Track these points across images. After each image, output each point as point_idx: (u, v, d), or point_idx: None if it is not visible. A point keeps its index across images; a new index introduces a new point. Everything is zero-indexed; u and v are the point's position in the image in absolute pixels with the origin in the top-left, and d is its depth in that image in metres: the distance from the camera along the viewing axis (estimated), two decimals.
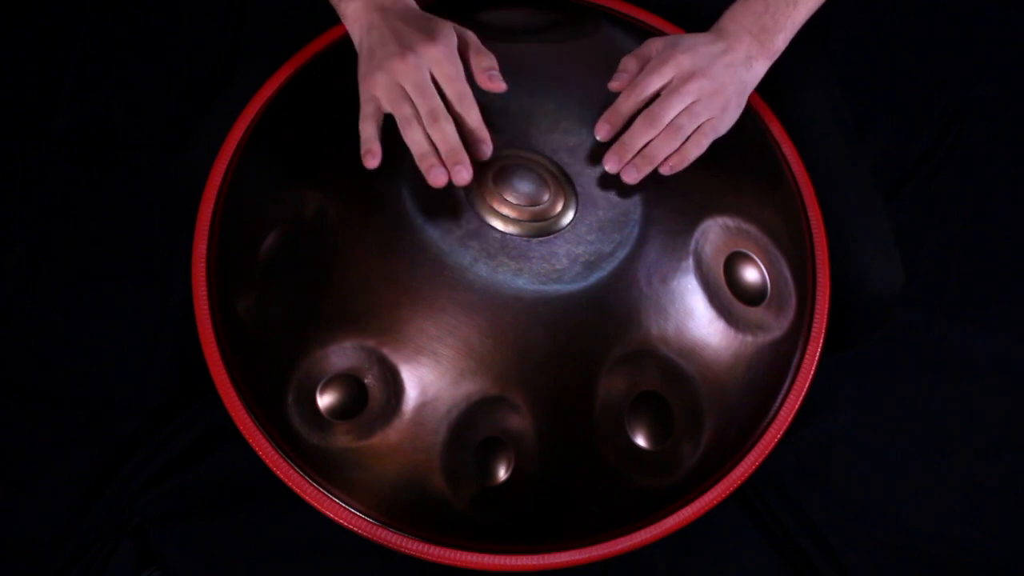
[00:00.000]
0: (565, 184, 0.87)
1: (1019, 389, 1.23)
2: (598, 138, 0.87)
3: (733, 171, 0.93)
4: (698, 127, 0.87)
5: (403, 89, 0.83)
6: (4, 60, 1.39)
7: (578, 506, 0.86)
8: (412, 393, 0.82)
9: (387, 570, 1.07)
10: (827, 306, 0.93)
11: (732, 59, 0.89)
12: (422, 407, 0.82)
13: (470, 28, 0.95)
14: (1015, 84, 1.45)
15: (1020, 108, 1.43)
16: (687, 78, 0.87)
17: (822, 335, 0.92)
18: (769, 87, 1.01)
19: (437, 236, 0.84)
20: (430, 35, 0.84)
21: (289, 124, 0.94)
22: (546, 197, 0.86)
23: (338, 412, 0.83)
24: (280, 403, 0.84)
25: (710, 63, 0.88)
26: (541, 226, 0.85)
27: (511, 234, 0.85)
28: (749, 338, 0.88)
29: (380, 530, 0.84)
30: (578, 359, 0.84)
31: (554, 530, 0.86)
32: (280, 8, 0.94)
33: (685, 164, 0.87)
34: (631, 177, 0.86)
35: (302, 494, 0.85)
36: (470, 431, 0.83)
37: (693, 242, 0.87)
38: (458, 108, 0.83)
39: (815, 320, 0.93)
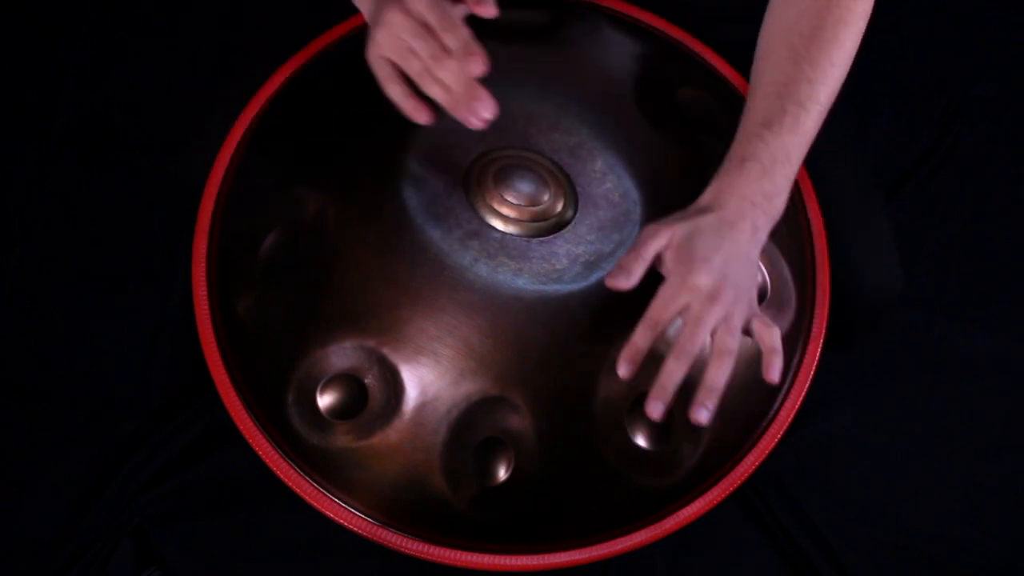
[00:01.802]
0: (565, 184, 0.87)
1: (1019, 389, 1.23)
2: (621, 377, 0.79)
3: None
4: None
5: (405, 42, 0.81)
6: (4, 60, 1.39)
7: (578, 506, 0.86)
8: (412, 393, 0.82)
9: (387, 570, 1.07)
10: (827, 306, 0.93)
11: (742, 246, 0.81)
12: (422, 407, 0.82)
13: (469, 28, 0.95)
14: (1015, 84, 1.45)
15: (1020, 108, 1.43)
16: (708, 300, 0.79)
17: (822, 335, 0.92)
18: None
19: (437, 236, 0.84)
20: None
21: (289, 124, 0.94)
22: (546, 197, 0.86)
23: (338, 412, 0.83)
24: (280, 403, 0.84)
25: (725, 270, 0.79)
26: (541, 226, 0.85)
27: (511, 234, 0.85)
28: (749, 338, 0.87)
29: (380, 530, 0.84)
30: (578, 359, 0.84)
31: (554, 530, 0.86)
32: (280, 8, 0.94)
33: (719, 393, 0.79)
34: (704, 418, 0.78)
35: (302, 494, 0.85)
36: (470, 431, 0.83)
37: None
38: (446, 39, 0.80)
39: (815, 320, 0.92)
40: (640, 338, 0.79)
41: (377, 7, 0.83)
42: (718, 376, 0.79)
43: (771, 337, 0.80)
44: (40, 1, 1.44)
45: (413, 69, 0.81)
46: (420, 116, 0.81)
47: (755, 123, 0.84)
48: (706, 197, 0.83)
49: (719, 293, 0.79)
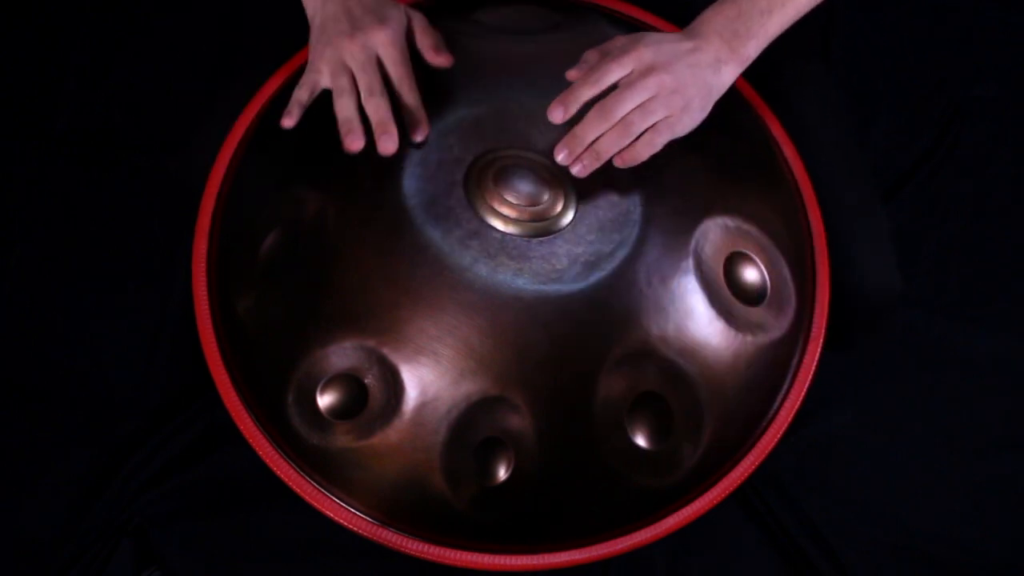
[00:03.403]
0: (565, 184, 0.87)
1: (1019, 389, 1.23)
2: (551, 120, 0.86)
3: (733, 171, 0.93)
4: (653, 125, 0.85)
5: (347, 66, 0.86)
6: (4, 60, 1.39)
7: (578, 506, 0.86)
8: (412, 393, 0.82)
9: (387, 570, 1.07)
10: (827, 306, 0.93)
11: (699, 59, 0.87)
12: (422, 407, 0.82)
13: (470, 28, 0.95)
14: (1015, 84, 1.45)
15: (1020, 108, 1.43)
16: (646, 72, 0.85)
17: (822, 335, 0.92)
18: (769, 87, 1.01)
19: (437, 236, 0.84)
20: (380, 19, 0.87)
21: None
22: (546, 197, 0.86)
23: (338, 412, 0.83)
24: (280, 403, 0.84)
25: (673, 60, 0.86)
26: (541, 226, 0.85)
27: (511, 234, 0.85)
28: (749, 338, 0.88)
29: (380, 530, 0.84)
30: (578, 359, 0.84)
31: (554, 530, 0.86)
32: (280, 8, 0.94)
33: (637, 161, 0.85)
34: (578, 172, 0.85)
35: (302, 494, 0.85)
36: (470, 431, 0.83)
37: (693, 242, 0.87)
38: (398, 88, 0.87)
39: (815, 320, 0.93)
40: (580, 88, 0.86)
41: (333, 23, 0.88)
42: (606, 143, 0.85)
43: (634, 150, 0.85)
44: (40, 1, 1.44)
45: (337, 84, 0.88)
46: (286, 121, 0.87)
47: None
48: (683, 29, 0.90)
49: (658, 70, 0.85)
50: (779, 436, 0.90)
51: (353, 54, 0.86)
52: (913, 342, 1.25)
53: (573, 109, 0.85)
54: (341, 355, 0.83)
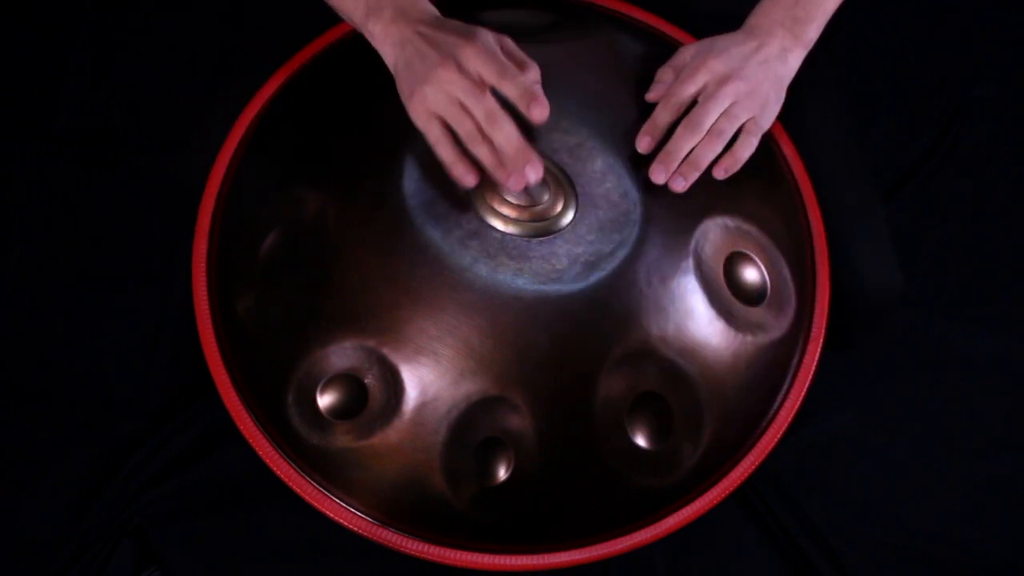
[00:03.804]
0: (565, 184, 0.87)
1: (1019, 389, 1.23)
2: (639, 150, 0.87)
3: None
4: (742, 127, 0.87)
5: (457, 99, 0.80)
6: (4, 60, 1.39)
7: (578, 506, 0.86)
8: (412, 393, 0.82)
9: (387, 570, 1.07)
10: (827, 306, 0.93)
11: (766, 55, 0.89)
12: (422, 407, 0.82)
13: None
14: (1015, 84, 1.45)
15: (1020, 108, 1.43)
16: (722, 82, 0.87)
17: (822, 335, 0.92)
18: None
19: (437, 236, 0.84)
20: (466, 36, 0.81)
21: (289, 124, 0.94)
22: (546, 197, 0.86)
23: (338, 412, 0.83)
24: (280, 403, 0.84)
25: (743, 64, 0.87)
26: (541, 226, 0.85)
27: (511, 234, 0.85)
28: (749, 338, 0.88)
29: (380, 530, 0.84)
30: (578, 359, 0.84)
31: (554, 530, 0.86)
32: (280, 8, 0.94)
33: (739, 165, 0.87)
34: (679, 186, 0.86)
35: (302, 494, 0.85)
36: (470, 431, 0.83)
37: (693, 242, 0.87)
38: (519, 105, 0.79)
39: (815, 320, 0.93)
40: (660, 114, 0.87)
41: (420, 61, 0.81)
42: (703, 153, 0.86)
43: (742, 146, 0.87)
44: (40, 1, 1.44)
45: (464, 129, 0.80)
46: (468, 180, 0.82)
47: None
48: (740, 28, 0.91)
49: (732, 77, 0.86)
50: (779, 436, 0.90)
51: (454, 81, 0.79)
52: (913, 342, 1.25)
53: (659, 136, 0.87)
54: (341, 355, 0.83)
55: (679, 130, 0.86)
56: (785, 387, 0.91)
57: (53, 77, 1.38)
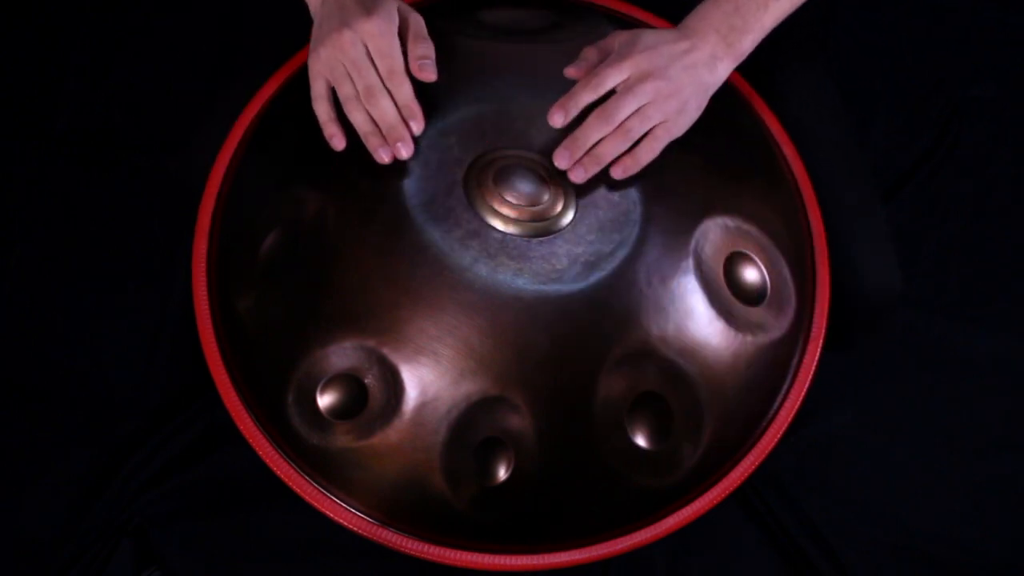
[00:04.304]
0: (565, 184, 0.87)
1: (1019, 389, 1.23)
2: (551, 124, 0.86)
3: (733, 171, 0.93)
4: (651, 130, 0.86)
5: (343, 66, 0.85)
6: (4, 60, 1.39)
7: (578, 506, 0.86)
8: (412, 393, 0.82)
9: (387, 570, 1.07)
10: (827, 306, 0.93)
11: (695, 59, 0.87)
12: (422, 407, 0.82)
13: (470, 28, 0.95)
14: (1014, 84, 1.45)
15: (1020, 108, 1.43)
16: (643, 78, 0.85)
17: (822, 335, 0.92)
18: (768, 87, 1.01)
19: (437, 236, 0.84)
20: (367, 11, 0.85)
21: (289, 124, 0.94)
22: (546, 197, 0.86)
23: (338, 412, 0.83)
24: (280, 403, 0.84)
25: (669, 64, 0.86)
26: (541, 226, 0.85)
27: (511, 234, 0.85)
28: (749, 338, 0.88)
29: (380, 530, 0.84)
30: (578, 359, 0.84)
31: (554, 530, 0.86)
32: (280, 8, 0.94)
33: (638, 167, 0.86)
34: (579, 177, 0.85)
35: (302, 494, 0.85)
36: (470, 431, 0.83)
37: (693, 242, 0.87)
38: (388, 83, 0.85)
39: (815, 320, 0.93)
40: (579, 92, 0.86)
41: (326, 22, 0.87)
42: (606, 148, 0.85)
43: (638, 152, 0.85)
44: (40, 1, 1.44)
45: (343, 92, 0.86)
46: (336, 142, 0.86)
47: None
48: (677, 26, 0.90)
49: (654, 76, 0.85)
50: (779, 436, 0.90)
51: (344, 50, 0.85)
52: (913, 342, 1.25)
53: (573, 113, 0.86)
54: (341, 355, 0.83)
55: (591, 119, 0.85)
56: (785, 387, 0.91)
57: (53, 77, 1.38)
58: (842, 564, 1.10)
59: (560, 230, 0.85)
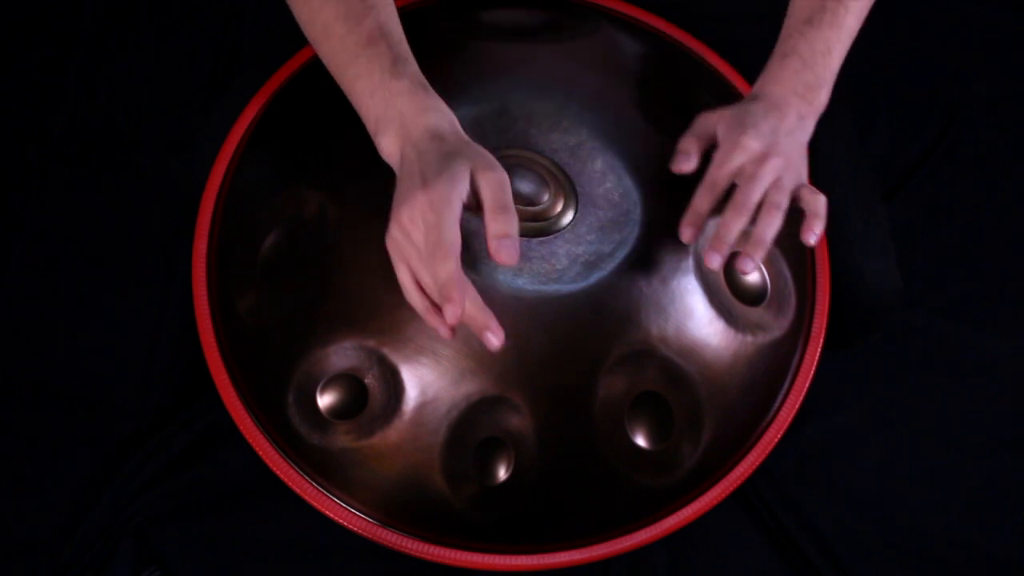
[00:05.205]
0: (565, 184, 0.87)
1: (1019, 389, 1.23)
2: (683, 240, 0.84)
3: None
4: (766, 201, 0.84)
5: (402, 249, 0.77)
6: (4, 60, 1.39)
7: (578, 506, 0.86)
8: (412, 393, 0.82)
9: (387, 570, 1.06)
10: (827, 306, 0.93)
11: (789, 126, 0.85)
12: (422, 407, 0.82)
13: (470, 28, 0.94)
14: (1015, 84, 1.45)
15: (1020, 108, 1.43)
16: (760, 161, 0.83)
17: (822, 335, 0.92)
18: None
19: None
20: (425, 179, 0.75)
21: (289, 124, 0.94)
22: (546, 197, 0.86)
23: (338, 412, 0.84)
24: (280, 403, 0.84)
25: (774, 139, 0.84)
26: (541, 226, 0.85)
27: None
28: (749, 338, 0.88)
29: (380, 530, 0.84)
30: (578, 359, 0.84)
31: (554, 530, 0.86)
32: (280, 9, 0.94)
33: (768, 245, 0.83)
34: (749, 267, 0.82)
35: (302, 494, 0.85)
36: (470, 431, 0.83)
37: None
38: (429, 261, 0.74)
39: (815, 320, 0.93)
40: (700, 201, 0.84)
41: (405, 183, 0.77)
42: (767, 229, 0.82)
43: (816, 203, 0.83)
44: (40, 1, 1.44)
45: (398, 278, 0.77)
46: (443, 332, 0.76)
47: (796, 21, 0.89)
48: (752, 92, 0.88)
49: (769, 154, 0.83)
50: (779, 436, 0.90)
51: (406, 230, 0.75)
52: (913, 342, 1.25)
53: (701, 224, 0.85)
54: (341, 355, 0.83)
55: (728, 214, 0.82)
56: (785, 387, 0.91)
57: (53, 77, 1.38)
58: (842, 564, 1.10)
59: (560, 230, 0.85)
